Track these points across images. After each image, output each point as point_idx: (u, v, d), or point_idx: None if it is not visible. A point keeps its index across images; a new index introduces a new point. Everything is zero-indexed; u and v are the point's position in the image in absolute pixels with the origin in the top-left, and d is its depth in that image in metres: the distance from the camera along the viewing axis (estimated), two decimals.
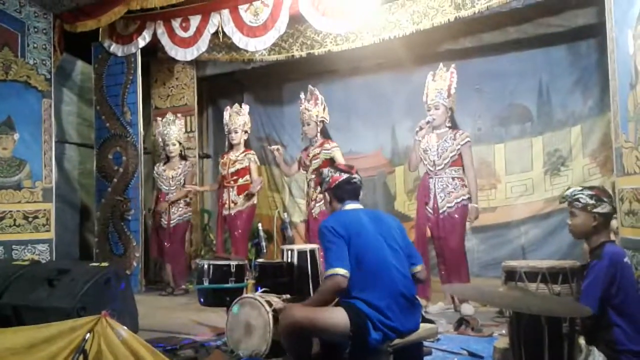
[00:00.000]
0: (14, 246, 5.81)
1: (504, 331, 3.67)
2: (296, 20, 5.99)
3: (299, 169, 5.87)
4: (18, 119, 5.95)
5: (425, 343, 3.19)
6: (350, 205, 2.97)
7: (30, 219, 5.92)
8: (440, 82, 5.00)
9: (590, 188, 2.78)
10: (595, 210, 2.67)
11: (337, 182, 2.99)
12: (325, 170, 3.15)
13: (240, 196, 6.03)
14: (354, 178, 3.02)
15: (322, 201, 4.20)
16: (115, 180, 6.72)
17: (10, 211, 5.85)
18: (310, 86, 5.70)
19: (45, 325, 2.85)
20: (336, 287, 2.67)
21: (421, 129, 5.00)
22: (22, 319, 3.47)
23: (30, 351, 2.74)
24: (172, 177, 6.49)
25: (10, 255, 5.72)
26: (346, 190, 2.99)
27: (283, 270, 3.91)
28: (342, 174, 3.01)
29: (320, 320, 2.64)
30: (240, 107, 6.19)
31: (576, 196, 2.72)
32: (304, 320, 2.64)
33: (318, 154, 5.53)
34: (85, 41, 6.79)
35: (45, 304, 3.46)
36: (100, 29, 6.66)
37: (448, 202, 4.87)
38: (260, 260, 4.09)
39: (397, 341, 2.67)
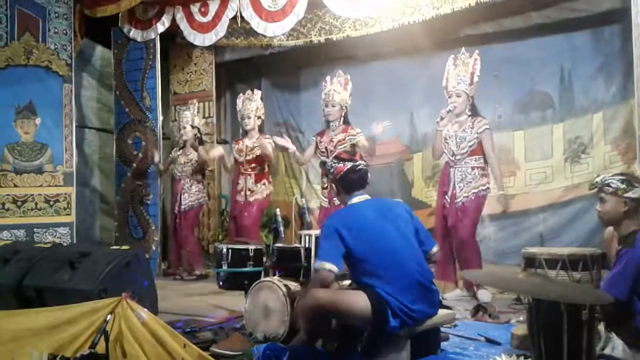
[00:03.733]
0: (35, 229, 5.92)
1: (521, 318, 3.65)
2: (315, 5, 5.95)
3: (315, 152, 5.66)
4: (39, 104, 6.04)
5: (443, 329, 3.20)
6: (357, 199, 2.96)
7: (51, 203, 6.01)
8: (462, 68, 4.84)
9: (622, 174, 2.75)
10: (626, 195, 2.64)
11: (341, 172, 2.98)
12: (329, 162, 3.17)
13: (258, 184, 6.02)
14: (358, 165, 3.01)
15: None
16: (134, 165, 6.78)
17: (32, 194, 5.94)
18: (340, 71, 5.51)
19: (67, 306, 2.90)
20: (321, 282, 2.76)
21: (442, 118, 4.85)
22: (45, 300, 3.51)
23: (52, 332, 2.80)
24: (184, 163, 6.40)
25: (31, 238, 5.83)
26: (352, 179, 2.98)
27: (301, 255, 3.93)
28: (346, 163, 3.01)
29: (343, 304, 2.67)
30: (253, 92, 6.11)
31: (607, 181, 2.69)
32: (327, 303, 2.66)
33: (343, 140, 5.34)
34: (105, 26, 6.85)
35: (67, 285, 3.50)
36: (120, 14, 6.69)
37: (465, 192, 4.78)
38: (279, 244, 4.11)
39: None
